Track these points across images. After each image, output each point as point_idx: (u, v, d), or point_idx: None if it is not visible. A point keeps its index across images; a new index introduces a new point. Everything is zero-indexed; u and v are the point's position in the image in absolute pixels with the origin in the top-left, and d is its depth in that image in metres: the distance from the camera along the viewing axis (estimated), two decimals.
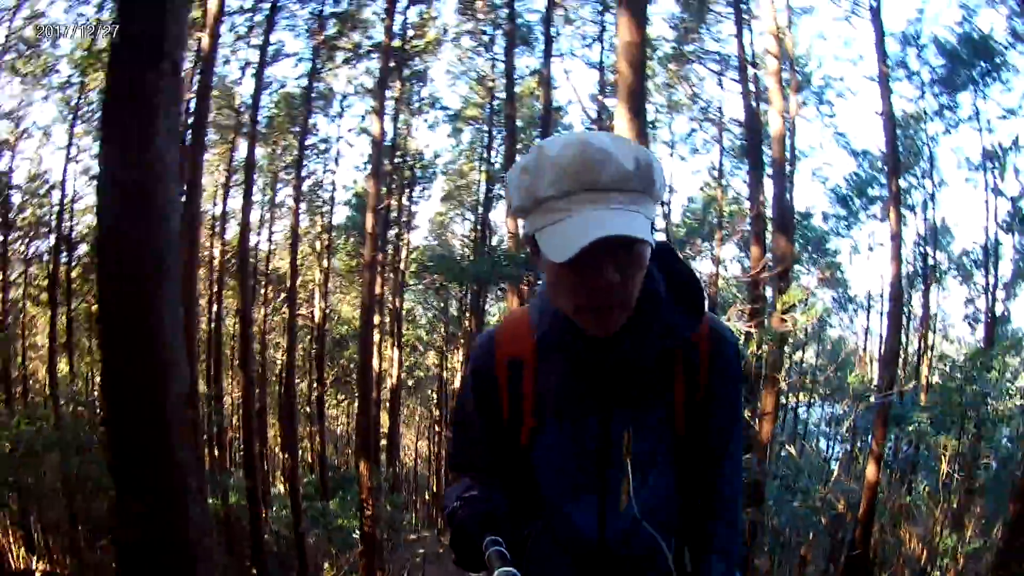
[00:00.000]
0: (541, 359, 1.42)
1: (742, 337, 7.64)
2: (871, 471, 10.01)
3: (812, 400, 15.78)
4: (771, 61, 11.22)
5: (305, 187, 20.48)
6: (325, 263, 21.41)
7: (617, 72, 6.37)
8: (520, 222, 1.31)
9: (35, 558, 12.25)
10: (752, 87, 13.48)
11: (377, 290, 17.66)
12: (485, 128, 20.40)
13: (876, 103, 11.59)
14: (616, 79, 6.54)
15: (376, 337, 18.39)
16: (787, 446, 11.18)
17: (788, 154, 12.54)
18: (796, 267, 17.61)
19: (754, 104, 13.28)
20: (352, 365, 23.88)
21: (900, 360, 16.44)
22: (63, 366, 17.31)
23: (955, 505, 10.07)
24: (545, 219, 1.20)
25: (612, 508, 1.40)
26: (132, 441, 4.22)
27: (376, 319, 18.12)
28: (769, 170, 12.52)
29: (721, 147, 18.44)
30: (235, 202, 19.61)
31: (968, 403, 9.96)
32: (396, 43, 15.92)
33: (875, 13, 10.85)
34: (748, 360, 7.76)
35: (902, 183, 15.12)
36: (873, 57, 11.50)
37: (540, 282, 1.42)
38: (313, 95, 17.55)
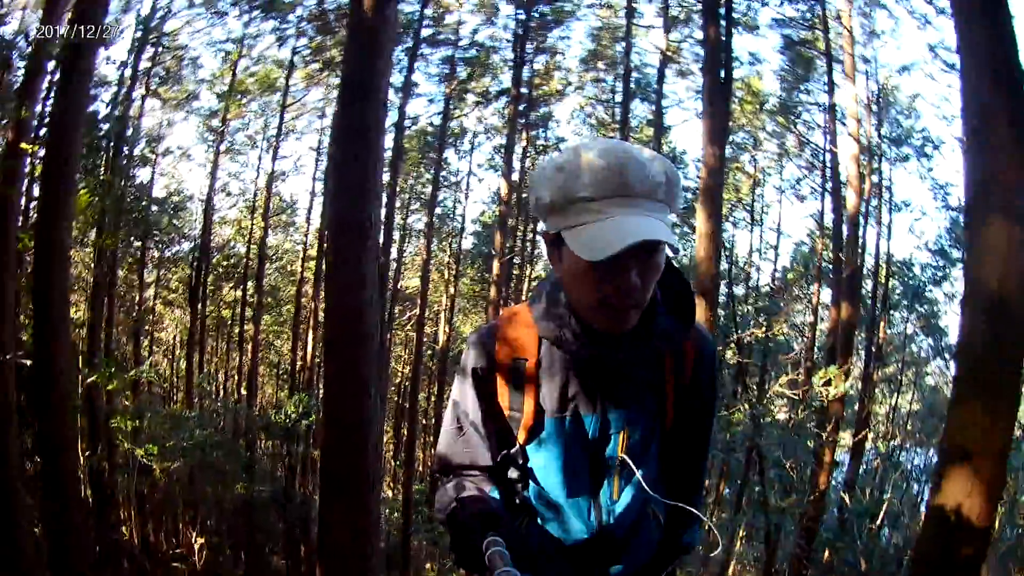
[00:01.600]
0: (543, 357, 1.42)
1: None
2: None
3: (903, 444, 15.86)
4: (852, 144, 11.68)
5: (436, 215, 21.62)
6: (452, 289, 22.34)
7: (700, 176, 7.26)
8: (541, 220, 1.31)
9: (194, 534, 14.18)
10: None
11: None
12: None
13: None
14: (700, 179, 7.40)
15: None
16: (855, 491, 11.35)
17: (864, 207, 12.99)
18: (894, 313, 17.99)
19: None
20: None
21: None
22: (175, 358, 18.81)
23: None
24: (577, 219, 1.22)
25: (606, 502, 1.44)
26: (340, 453, 5.64)
27: None
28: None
29: (823, 196, 18.22)
30: None
31: None
32: (523, 90, 17.08)
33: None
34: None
35: None
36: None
37: (543, 281, 1.49)
38: (445, 132, 18.82)
